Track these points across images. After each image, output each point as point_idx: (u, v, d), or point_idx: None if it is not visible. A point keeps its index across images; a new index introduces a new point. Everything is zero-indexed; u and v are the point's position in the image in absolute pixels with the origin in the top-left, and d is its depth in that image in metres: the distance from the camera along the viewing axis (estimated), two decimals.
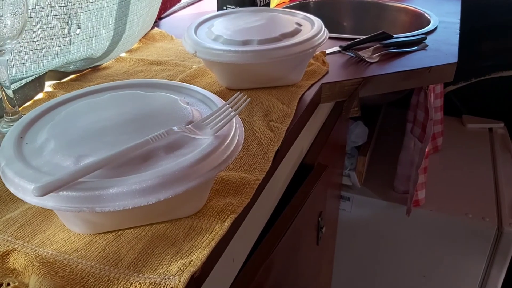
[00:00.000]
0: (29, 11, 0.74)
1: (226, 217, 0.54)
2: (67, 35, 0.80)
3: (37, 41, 0.76)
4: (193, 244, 0.51)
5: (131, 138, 0.51)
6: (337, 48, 1.08)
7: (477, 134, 1.67)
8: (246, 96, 0.60)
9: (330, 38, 1.13)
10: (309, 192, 0.82)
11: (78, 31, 0.81)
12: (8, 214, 0.55)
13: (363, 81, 0.93)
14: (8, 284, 0.45)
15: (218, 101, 0.61)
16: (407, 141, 1.31)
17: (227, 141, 0.52)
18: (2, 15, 0.63)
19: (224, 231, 0.53)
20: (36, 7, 0.75)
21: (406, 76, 0.98)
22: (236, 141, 0.54)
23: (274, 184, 0.72)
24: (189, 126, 0.54)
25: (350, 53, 1.04)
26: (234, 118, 0.56)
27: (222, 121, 0.54)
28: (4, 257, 0.48)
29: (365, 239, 1.41)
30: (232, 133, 0.54)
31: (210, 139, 0.52)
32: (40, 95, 0.84)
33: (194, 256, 0.49)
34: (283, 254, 0.75)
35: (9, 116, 0.71)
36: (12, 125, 0.71)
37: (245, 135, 0.72)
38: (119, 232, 0.52)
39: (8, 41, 0.66)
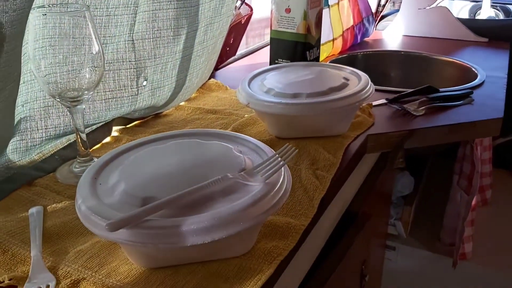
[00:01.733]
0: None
1: (273, 259, 0.59)
2: (135, 87, 0.89)
3: (109, 91, 0.85)
4: (243, 283, 0.55)
5: (191, 183, 0.57)
6: (383, 101, 1.12)
7: None
8: (294, 148, 0.65)
9: (377, 90, 1.18)
10: (353, 240, 0.85)
11: (145, 83, 0.90)
12: (78, 246, 0.61)
13: (408, 133, 0.97)
14: None
15: (269, 150, 0.67)
16: (454, 193, 1.32)
17: (276, 188, 0.57)
18: (82, 69, 0.72)
19: (271, 272, 0.57)
20: (110, 61, 0.85)
21: (452, 130, 1.00)
22: (284, 188, 0.59)
23: (318, 230, 0.75)
24: (242, 173, 0.59)
25: (396, 106, 1.08)
26: (283, 167, 0.62)
27: (272, 170, 0.60)
28: (75, 285, 0.55)
29: None
30: (281, 180, 0.59)
31: (261, 186, 0.57)
32: (107, 139, 0.92)
33: None
34: None
35: (82, 157, 0.79)
36: (84, 166, 0.79)
37: (292, 182, 0.77)
38: (176, 268, 0.57)
39: (86, 92, 0.75)
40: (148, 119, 1.02)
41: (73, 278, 0.55)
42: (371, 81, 0.95)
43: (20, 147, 0.77)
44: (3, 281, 0.55)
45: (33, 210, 0.68)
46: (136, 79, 0.88)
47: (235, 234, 0.52)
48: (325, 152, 0.87)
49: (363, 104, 1.06)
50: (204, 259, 0.58)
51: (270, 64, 1.25)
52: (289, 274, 0.64)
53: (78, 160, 0.80)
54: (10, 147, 0.76)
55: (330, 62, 1.48)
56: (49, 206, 0.70)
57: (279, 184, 0.58)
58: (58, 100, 0.73)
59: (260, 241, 0.62)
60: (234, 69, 1.45)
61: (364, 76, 0.96)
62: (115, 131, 0.95)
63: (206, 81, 1.23)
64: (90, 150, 0.88)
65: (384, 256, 1.40)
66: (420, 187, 1.47)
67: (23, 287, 0.54)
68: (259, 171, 0.60)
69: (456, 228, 1.32)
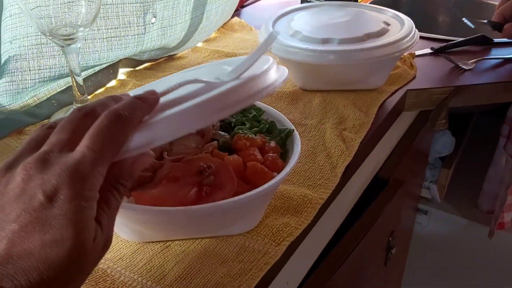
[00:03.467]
0: None
1: (281, 239, 0.50)
2: (142, 24, 0.78)
3: (111, 28, 0.75)
4: (244, 267, 0.47)
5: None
6: (428, 50, 0.98)
7: None
8: None
9: (421, 38, 1.03)
10: (381, 211, 0.75)
11: (153, 20, 0.79)
12: None
13: (454, 90, 0.83)
14: None
15: None
16: (498, 156, 1.18)
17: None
18: (76, 2, 0.62)
19: (278, 255, 0.48)
20: None
21: (506, 88, 0.86)
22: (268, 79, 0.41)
23: (340, 201, 0.66)
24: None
25: (442, 57, 0.94)
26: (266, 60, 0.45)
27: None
28: None
29: (440, 258, 1.31)
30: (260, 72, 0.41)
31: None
32: (113, 83, 0.83)
33: (243, 279, 0.45)
34: (345, 277, 0.69)
35: (78, 104, 0.70)
36: None
37: (314, 144, 0.66)
38: (167, 243, 0.49)
39: (81, 28, 0.65)
40: (160, 61, 0.92)
41: None
42: (416, 26, 0.81)
43: (11, 90, 0.68)
44: None
45: None
46: (143, 15, 0.77)
47: (235, 209, 0.43)
48: (355, 109, 0.75)
49: (405, 54, 0.92)
50: (200, 235, 0.50)
51: (302, 2, 1.11)
52: (301, 253, 0.55)
53: (73, 107, 0.71)
54: None
55: (370, 2, 1.32)
56: None
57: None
58: (50, 37, 0.63)
59: (269, 216, 0.53)
60: (262, 7, 1.31)
61: (408, 21, 0.82)
62: (122, 73, 0.86)
63: (228, 20, 1.10)
64: (92, 95, 0.80)
65: (415, 220, 1.30)
66: (461, 148, 1.33)
67: None
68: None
69: (496, 195, 1.20)
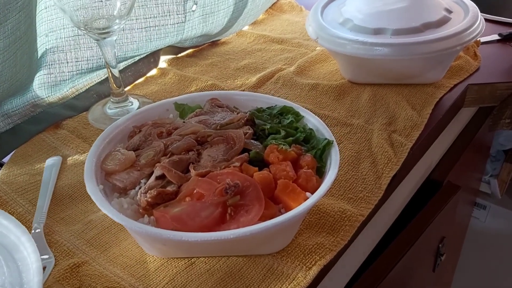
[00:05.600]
0: None
1: (313, 262, 0.46)
2: (182, 12, 0.74)
3: (150, 18, 0.72)
4: None
5: None
6: (495, 37, 0.88)
7: None
8: None
9: (488, 21, 0.93)
10: (432, 219, 0.69)
11: (194, 7, 0.76)
12: (90, 215, 0.52)
13: None
14: None
15: None
16: None
17: None
18: None
19: (308, 283, 0.44)
20: None
21: None
22: None
23: (384, 213, 0.61)
24: None
25: (511, 45, 0.85)
26: None
27: None
28: (74, 269, 0.46)
29: (496, 255, 1.22)
30: None
31: None
32: (153, 71, 0.81)
33: None
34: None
35: (115, 97, 0.69)
36: (118, 107, 0.69)
37: (359, 149, 0.61)
38: (192, 260, 0.47)
39: (117, 20, 0.63)
40: (203, 47, 0.88)
41: (74, 260, 0.47)
42: (482, 8, 0.72)
43: (49, 82, 0.68)
44: None
45: (50, 161, 0.60)
46: (183, 3, 0.74)
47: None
48: (408, 107, 0.69)
49: None
50: (228, 253, 0.47)
51: None
52: (334, 273, 0.51)
53: (111, 100, 0.69)
54: (36, 81, 0.67)
55: None
56: (70, 158, 0.61)
57: None
58: (84, 31, 0.61)
59: (302, 234, 0.49)
60: None
61: (472, 7, 0.73)
62: (163, 61, 0.83)
63: (277, 0, 1.05)
64: (132, 85, 0.78)
65: (472, 214, 1.22)
66: None
67: None
68: None
69: None
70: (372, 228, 0.58)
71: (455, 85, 0.75)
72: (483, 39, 0.87)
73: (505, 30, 0.89)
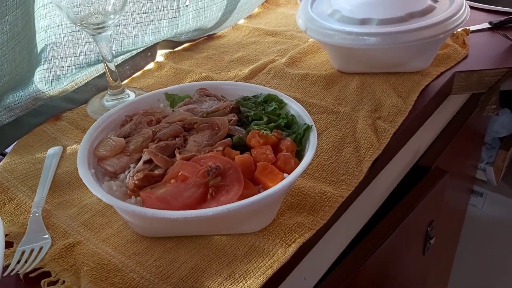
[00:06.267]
0: None
1: (293, 240, 0.49)
2: (176, 7, 0.77)
3: (145, 13, 0.75)
4: (249, 268, 0.46)
5: None
6: (486, 25, 0.90)
7: None
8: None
9: (479, 10, 0.95)
10: (417, 202, 0.71)
11: (187, 2, 0.78)
12: (85, 200, 0.56)
13: (508, 72, 0.76)
14: (63, 282, 0.46)
15: None
16: None
17: None
18: None
19: (287, 258, 0.47)
20: None
21: None
22: None
23: (367, 197, 0.63)
24: None
25: (500, 34, 0.86)
26: None
27: None
28: (69, 248, 0.49)
29: (494, 242, 1.24)
30: None
31: None
32: (150, 65, 0.84)
33: (246, 284, 0.45)
34: (375, 267, 0.67)
35: (112, 89, 0.72)
36: (115, 98, 0.72)
37: (343, 135, 0.64)
38: (179, 239, 0.50)
39: (112, 16, 0.66)
40: (199, 41, 0.91)
41: (69, 241, 0.50)
42: None
43: (49, 76, 0.71)
44: None
45: (51, 151, 0.63)
46: None
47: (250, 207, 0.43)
48: (394, 94, 0.71)
49: (458, 30, 0.85)
50: (211, 233, 0.50)
51: None
52: (320, 250, 0.54)
53: (108, 93, 0.73)
54: (37, 76, 0.70)
55: None
56: (69, 147, 0.64)
57: None
58: (80, 27, 0.65)
59: (284, 214, 0.52)
60: None
61: None
62: (160, 55, 0.86)
63: None
64: (130, 79, 0.81)
65: (469, 201, 1.23)
66: None
67: (18, 245, 0.50)
68: None
69: None
70: (356, 210, 0.61)
71: (442, 73, 0.77)
72: (473, 28, 0.89)
73: (497, 19, 0.90)
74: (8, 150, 0.66)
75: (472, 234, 1.24)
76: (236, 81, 0.77)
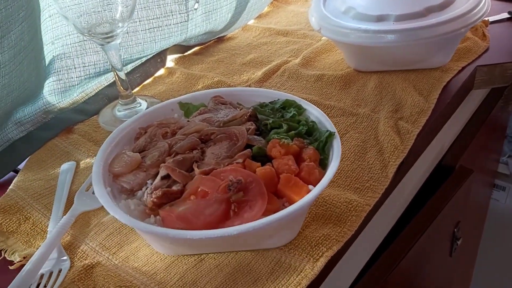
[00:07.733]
0: None
1: (320, 254, 0.46)
2: (185, 11, 0.75)
3: (153, 19, 0.73)
4: (276, 286, 0.44)
5: None
6: (505, 15, 0.87)
7: None
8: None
9: None
10: (444, 204, 0.69)
11: (196, 5, 0.76)
12: (101, 217, 0.54)
13: None
14: None
15: None
16: None
17: None
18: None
19: (315, 274, 0.45)
20: None
21: None
22: None
23: (393, 201, 0.61)
24: None
25: None
26: None
27: None
28: (88, 270, 0.48)
29: None
30: None
31: None
32: (161, 71, 0.82)
33: None
34: (405, 272, 0.65)
35: (123, 99, 0.70)
36: (127, 108, 0.70)
37: (365, 138, 0.61)
38: (201, 256, 0.48)
39: (120, 24, 0.64)
40: (209, 44, 0.89)
41: (88, 261, 0.48)
42: None
43: (58, 88, 0.69)
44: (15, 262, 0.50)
45: (65, 166, 0.61)
46: (185, 2, 0.74)
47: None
48: (415, 93, 0.69)
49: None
50: (236, 249, 0.48)
51: None
52: (344, 264, 0.52)
53: (119, 102, 0.71)
54: (46, 88, 0.69)
55: None
56: (82, 162, 0.63)
57: None
58: (88, 37, 0.63)
59: (309, 227, 0.50)
60: None
61: None
62: (170, 61, 0.84)
63: None
64: (141, 86, 0.79)
65: (491, 196, 1.20)
66: None
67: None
68: None
69: None
70: (383, 216, 0.58)
71: (463, 68, 0.74)
72: (492, 19, 0.86)
73: None
74: (20, 166, 0.64)
75: (495, 229, 1.21)
76: (250, 84, 0.75)
